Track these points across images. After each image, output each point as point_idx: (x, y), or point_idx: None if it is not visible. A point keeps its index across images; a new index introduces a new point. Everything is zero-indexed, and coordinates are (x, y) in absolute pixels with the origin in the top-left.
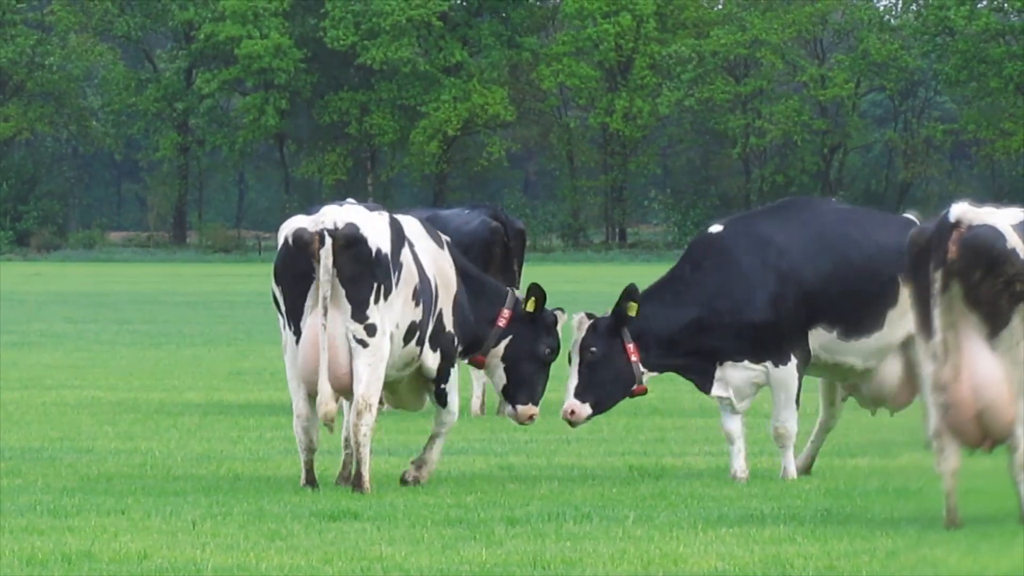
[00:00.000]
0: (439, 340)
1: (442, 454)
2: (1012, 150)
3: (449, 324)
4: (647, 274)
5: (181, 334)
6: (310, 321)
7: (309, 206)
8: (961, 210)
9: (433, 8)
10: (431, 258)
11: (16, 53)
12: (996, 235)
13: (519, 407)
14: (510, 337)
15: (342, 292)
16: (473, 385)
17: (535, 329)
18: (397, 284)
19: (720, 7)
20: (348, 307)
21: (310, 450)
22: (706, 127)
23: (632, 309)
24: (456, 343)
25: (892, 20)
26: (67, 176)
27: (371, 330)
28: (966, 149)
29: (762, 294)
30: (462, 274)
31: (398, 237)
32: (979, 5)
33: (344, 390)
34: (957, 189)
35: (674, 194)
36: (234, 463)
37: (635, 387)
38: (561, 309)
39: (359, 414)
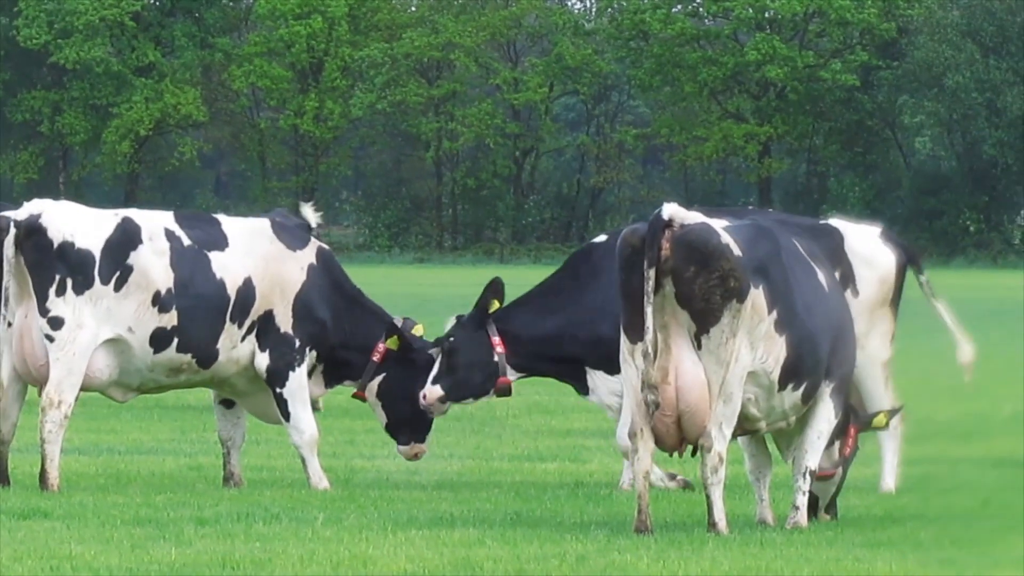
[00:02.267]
0: (268, 340)
1: (320, 473)
2: (705, 156)
3: (285, 326)
4: None
5: None
6: (18, 312)
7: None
8: (673, 209)
9: (126, 8)
10: (250, 261)
11: None
12: (710, 231)
13: (401, 448)
14: (383, 375)
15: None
16: None
17: (409, 368)
18: (116, 285)
19: (413, 10)
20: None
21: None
22: (399, 130)
23: (493, 305)
24: (299, 346)
25: (587, 24)
26: None
27: (54, 323)
28: (659, 154)
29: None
30: (335, 288)
31: (125, 239)
32: (674, 10)
33: (45, 382)
34: (649, 194)
35: (366, 196)
36: None
37: (500, 379)
38: (413, 320)
39: (43, 410)
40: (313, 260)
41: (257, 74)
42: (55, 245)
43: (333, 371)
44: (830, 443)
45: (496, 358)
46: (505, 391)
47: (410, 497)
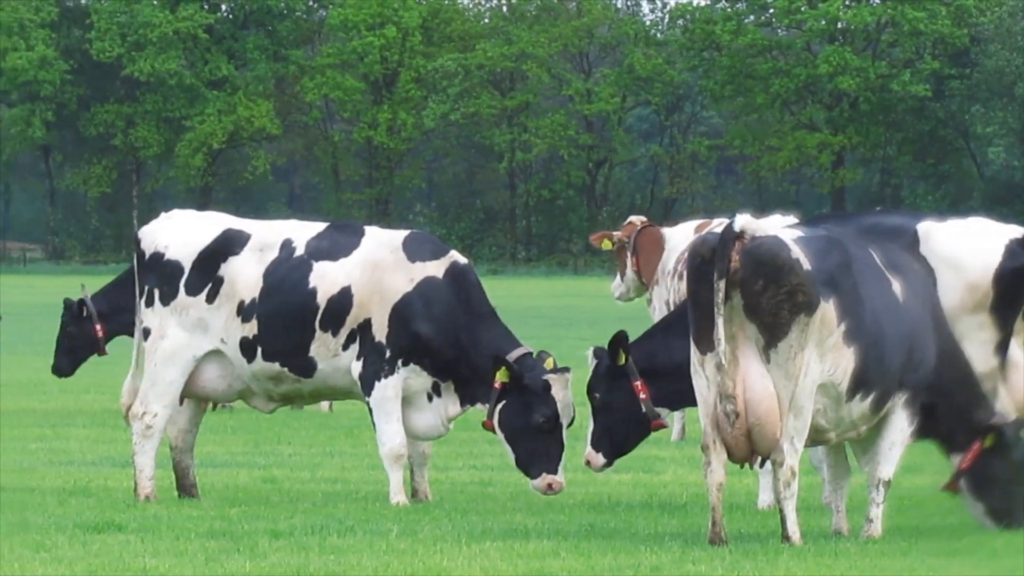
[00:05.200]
0: (364, 348)
1: (399, 487)
2: (778, 166)
3: (379, 335)
4: None
5: None
6: None
7: (74, 218)
8: (745, 220)
9: (199, 21)
10: (357, 270)
11: None
12: (780, 245)
13: (534, 484)
14: (502, 403)
15: None
16: None
17: (525, 395)
18: (208, 297)
19: (487, 20)
20: None
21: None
22: (472, 141)
23: (622, 358)
24: (388, 356)
25: (658, 35)
26: None
27: (144, 334)
28: (732, 164)
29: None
30: (458, 305)
31: (218, 250)
32: (746, 21)
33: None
34: (722, 204)
35: (439, 208)
36: None
37: (653, 424)
38: (547, 353)
39: (130, 423)
40: (434, 274)
41: (330, 86)
42: (146, 256)
43: (466, 390)
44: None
45: (643, 407)
46: (660, 428)
47: (484, 509)
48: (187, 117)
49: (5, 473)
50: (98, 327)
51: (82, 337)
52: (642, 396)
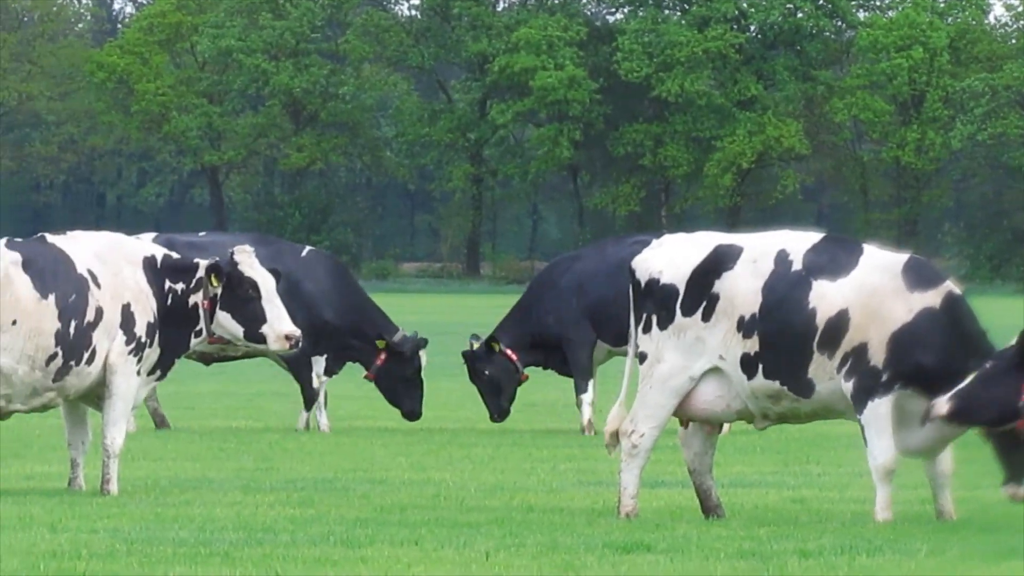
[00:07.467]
0: (856, 369)
1: (885, 503)
2: None
3: (876, 359)
4: None
5: None
6: None
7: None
8: None
9: (729, 40)
10: (853, 294)
11: (310, 83)
12: None
13: (1003, 489)
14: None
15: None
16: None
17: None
18: (703, 315)
19: (1014, 41)
20: None
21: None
22: (999, 161)
23: None
24: (885, 380)
25: None
26: (360, 206)
27: (640, 359)
28: None
29: None
30: (953, 333)
31: (710, 269)
32: None
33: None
34: None
35: (967, 228)
36: (527, 494)
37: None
38: None
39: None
40: (932, 304)
41: (859, 106)
42: (642, 284)
43: None
44: None
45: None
46: None
47: (1014, 526)
48: (716, 137)
49: (535, 493)
50: (510, 353)
51: (502, 373)
52: None
